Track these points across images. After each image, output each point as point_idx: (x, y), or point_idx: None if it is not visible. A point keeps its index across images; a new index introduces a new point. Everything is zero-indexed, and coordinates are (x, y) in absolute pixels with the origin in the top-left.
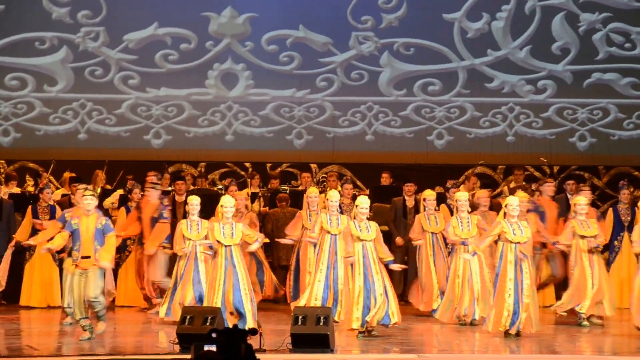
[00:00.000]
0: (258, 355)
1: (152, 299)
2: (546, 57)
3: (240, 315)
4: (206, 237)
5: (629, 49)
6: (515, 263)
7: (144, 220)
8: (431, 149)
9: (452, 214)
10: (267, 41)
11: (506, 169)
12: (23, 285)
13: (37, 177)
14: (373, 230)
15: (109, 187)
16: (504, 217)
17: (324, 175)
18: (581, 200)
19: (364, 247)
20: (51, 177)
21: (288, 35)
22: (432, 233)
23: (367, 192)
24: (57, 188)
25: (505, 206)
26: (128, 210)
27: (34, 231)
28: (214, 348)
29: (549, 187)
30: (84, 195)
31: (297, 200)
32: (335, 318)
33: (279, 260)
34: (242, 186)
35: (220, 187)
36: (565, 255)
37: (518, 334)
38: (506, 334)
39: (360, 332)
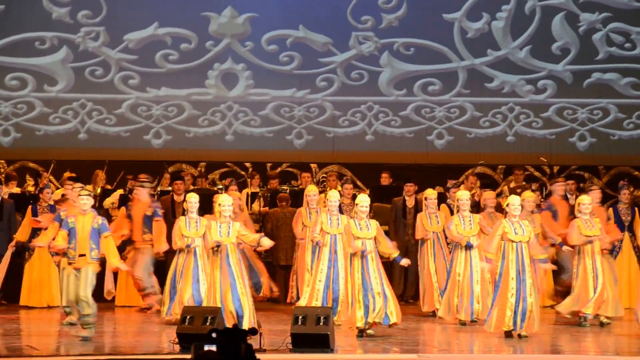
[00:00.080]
0: (258, 355)
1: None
2: (546, 57)
3: (238, 314)
4: (204, 235)
5: (629, 49)
6: (517, 262)
7: (135, 218)
8: (431, 148)
9: (452, 213)
10: (267, 41)
11: (506, 169)
12: (23, 285)
13: (37, 177)
14: (373, 228)
15: (109, 187)
16: (505, 217)
17: (324, 175)
18: (585, 199)
19: (363, 245)
20: (51, 177)
21: (288, 35)
22: (433, 232)
23: (367, 192)
24: (57, 188)
25: (507, 205)
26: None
27: (34, 231)
28: (214, 348)
29: (559, 187)
30: (80, 195)
31: (297, 200)
32: (336, 319)
33: (278, 260)
34: (242, 186)
35: (220, 187)
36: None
37: (520, 335)
38: (508, 334)
39: (358, 332)
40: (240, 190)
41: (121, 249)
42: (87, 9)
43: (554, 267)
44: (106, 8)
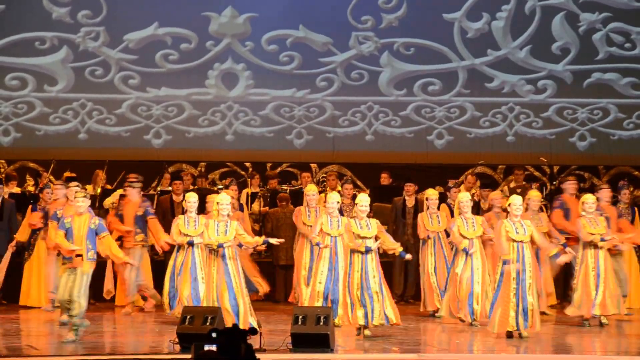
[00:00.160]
0: (258, 355)
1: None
2: (546, 57)
3: (235, 314)
4: (202, 235)
5: (629, 49)
6: (518, 262)
7: (126, 217)
8: (431, 148)
9: (452, 213)
10: (267, 41)
11: (506, 169)
12: (22, 285)
13: (37, 177)
14: (374, 227)
15: (109, 187)
16: (507, 217)
17: (324, 175)
18: (589, 198)
19: (363, 243)
20: (51, 177)
21: (288, 35)
22: (434, 232)
23: (367, 192)
24: None
25: (509, 205)
26: None
27: (34, 231)
28: (214, 348)
29: (571, 185)
30: (75, 197)
31: (297, 200)
32: (336, 321)
33: (278, 260)
34: (242, 186)
35: (221, 186)
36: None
37: (520, 335)
38: (509, 334)
39: (357, 330)
40: (240, 190)
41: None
42: (87, 9)
43: (570, 255)
44: (106, 8)
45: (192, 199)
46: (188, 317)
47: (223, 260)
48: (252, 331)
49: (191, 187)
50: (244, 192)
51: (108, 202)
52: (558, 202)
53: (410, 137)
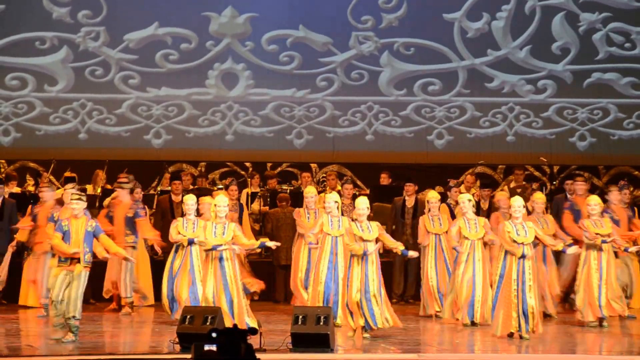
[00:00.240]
0: (258, 355)
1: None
2: (546, 57)
3: (231, 315)
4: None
5: (629, 49)
6: (519, 263)
7: (117, 219)
8: (431, 148)
9: (452, 213)
10: (267, 41)
11: (506, 169)
12: (22, 285)
13: (37, 177)
14: (374, 229)
15: (109, 187)
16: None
17: (324, 175)
18: (592, 200)
19: (364, 246)
20: (51, 177)
21: (288, 35)
22: (436, 234)
23: (368, 192)
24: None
25: (509, 207)
26: None
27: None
28: (214, 348)
29: (580, 186)
30: (71, 199)
31: (297, 200)
32: (337, 321)
33: (278, 260)
34: (242, 186)
35: (221, 186)
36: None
37: (521, 336)
38: (510, 334)
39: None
40: (240, 190)
41: None
42: (87, 9)
43: (581, 248)
44: (106, 8)
45: (190, 201)
46: (188, 317)
47: (220, 262)
48: (252, 331)
49: (191, 187)
50: (244, 192)
51: (108, 202)
52: (568, 204)
53: (410, 137)
